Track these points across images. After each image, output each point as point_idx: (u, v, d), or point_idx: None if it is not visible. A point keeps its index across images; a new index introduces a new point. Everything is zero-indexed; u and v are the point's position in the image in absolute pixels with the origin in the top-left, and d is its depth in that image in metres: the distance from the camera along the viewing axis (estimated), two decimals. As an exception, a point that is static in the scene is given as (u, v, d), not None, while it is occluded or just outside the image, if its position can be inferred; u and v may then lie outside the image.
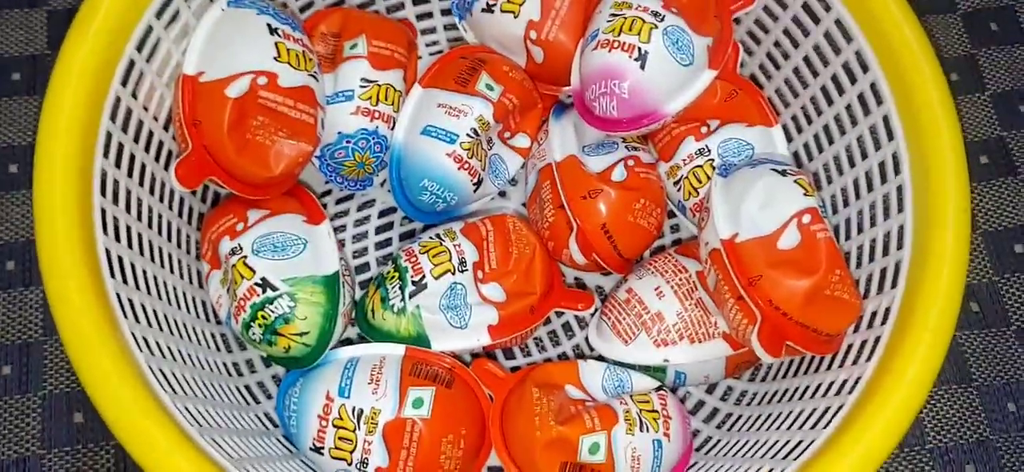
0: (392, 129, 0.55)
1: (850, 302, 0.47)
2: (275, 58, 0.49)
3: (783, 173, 0.50)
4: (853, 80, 0.52)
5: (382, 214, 0.61)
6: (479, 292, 0.52)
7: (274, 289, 0.48)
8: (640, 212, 0.53)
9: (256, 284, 0.48)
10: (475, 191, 0.55)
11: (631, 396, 0.50)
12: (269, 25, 0.50)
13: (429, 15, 0.63)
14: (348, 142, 0.54)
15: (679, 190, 0.56)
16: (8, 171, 0.59)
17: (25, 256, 0.57)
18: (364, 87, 0.54)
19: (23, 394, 0.54)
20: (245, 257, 0.49)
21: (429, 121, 0.54)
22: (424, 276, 0.51)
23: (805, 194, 0.49)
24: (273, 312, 0.48)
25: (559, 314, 0.59)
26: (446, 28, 0.63)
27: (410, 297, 0.51)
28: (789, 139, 0.58)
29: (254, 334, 0.49)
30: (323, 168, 0.55)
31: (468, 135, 0.53)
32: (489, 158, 0.55)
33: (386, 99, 0.54)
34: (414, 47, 0.58)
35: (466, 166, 0.53)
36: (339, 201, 0.61)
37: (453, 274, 0.51)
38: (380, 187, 0.60)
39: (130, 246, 0.47)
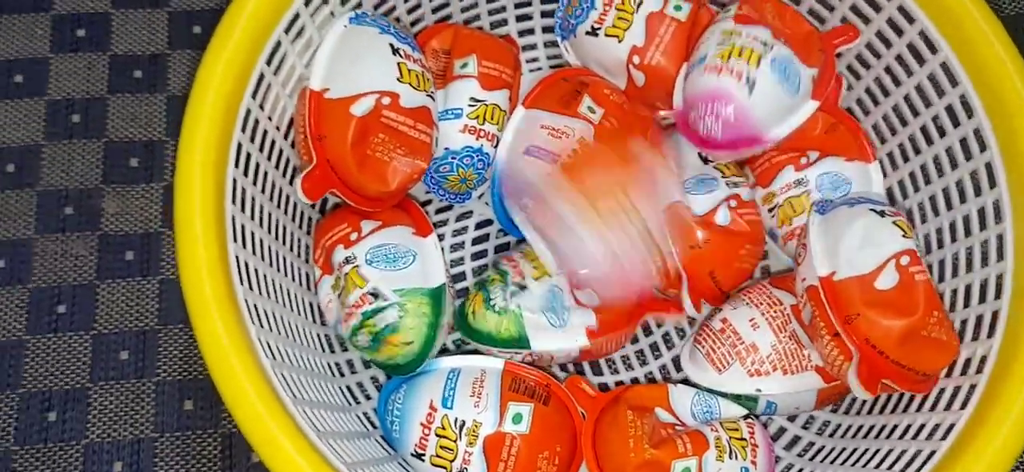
0: (495, 147, 0.57)
1: (948, 343, 0.48)
2: (398, 79, 0.51)
3: (881, 214, 0.51)
4: (956, 123, 0.53)
5: (479, 226, 0.63)
6: (574, 297, 0.54)
7: (385, 299, 0.50)
8: (745, 257, 0.55)
9: (368, 293, 0.50)
10: None
11: (720, 423, 0.51)
12: (392, 45, 0.52)
13: (531, 32, 0.65)
14: (454, 158, 0.56)
15: (773, 217, 0.57)
16: (129, 164, 0.62)
17: (144, 247, 0.61)
18: (473, 106, 0.56)
19: (139, 379, 0.58)
20: (358, 266, 0.51)
21: (533, 141, 0.56)
22: (524, 278, 0.54)
23: (904, 235, 0.50)
24: (382, 321, 0.50)
25: (647, 333, 0.60)
26: (546, 45, 0.65)
27: (511, 297, 0.53)
28: (884, 173, 0.59)
29: (361, 340, 0.51)
30: (427, 180, 0.57)
31: (569, 156, 0.55)
32: None
33: (492, 118, 0.56)
34: (519, 67, 0.60)
35: None
36: (438, 212, 0.63)
37: (551, 278, 0.53)
38: (478, 200, 0.62)
39: (255, 253, 0.49)
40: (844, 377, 0.49)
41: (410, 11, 0.60)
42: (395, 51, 0.52)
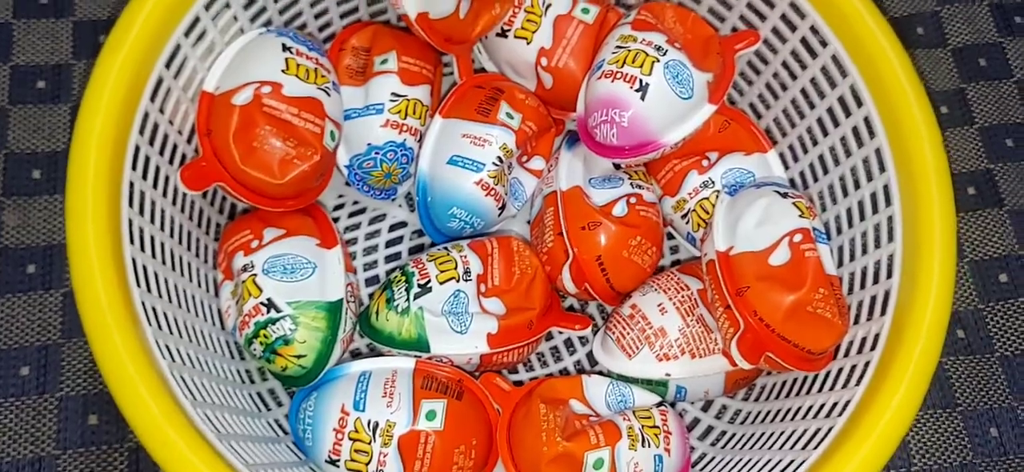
0: (419, 142, 0.57)
1: (832, 322, 0.49)
2: (283, 71, 0.51)
3: (784, 195, 0.52)
4: (847, 113, 0.55)
5: (392, 228, 0.63)
6: (480, 303, 0.54)
7: (278, 310, 0.50)
8: (635, 249, 0.56)
9: (262, 303, 0.50)
10: (499, 215, 0.57)
11: (633, 412, 0.52)
12: (284, 44, 0.53)
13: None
14: (376, 153, 0.56)
15: (687, 223, 0.58)
16: (31, 176, 0.61)
17: (46, 260, 0.59)
18: (394, 101, 0.56)
19: (40, 395, 0.56)
20: (255, 275, 0.51)
21: (455, 151, 0.56)
22: (429, 280, 0.53)
23: (801, 215, 0.52)
24: (274, 332, 0.50)
25: (560, 332, 0.61)
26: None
27: (414, 298, 0.53)
28: (786, 166, 0.60)
29: (255, 349, 0.51)
30: (351, 177, 0.57)
31: (494, 163, 0.55)
32: (509, 181, 0.58)
33: (414, 113, 0.57)
34: (440, 63, 0.60)
35: (492, 192, 0.56)
36: (352, 214, 0.63)
37: (457, 281, 0.54)
38: (391, 202, 0.62)
39: (154, 255, 0.49)
40: (730, 348, 0.50)
41: (318, 16, 0.60)
42: (286, 49, 0.52)
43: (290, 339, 0.50)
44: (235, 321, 0.52)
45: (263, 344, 0.50)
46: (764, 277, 0.50)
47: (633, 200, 0.57)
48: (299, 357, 0.50)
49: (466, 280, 0.54)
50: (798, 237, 0.50)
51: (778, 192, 0.53)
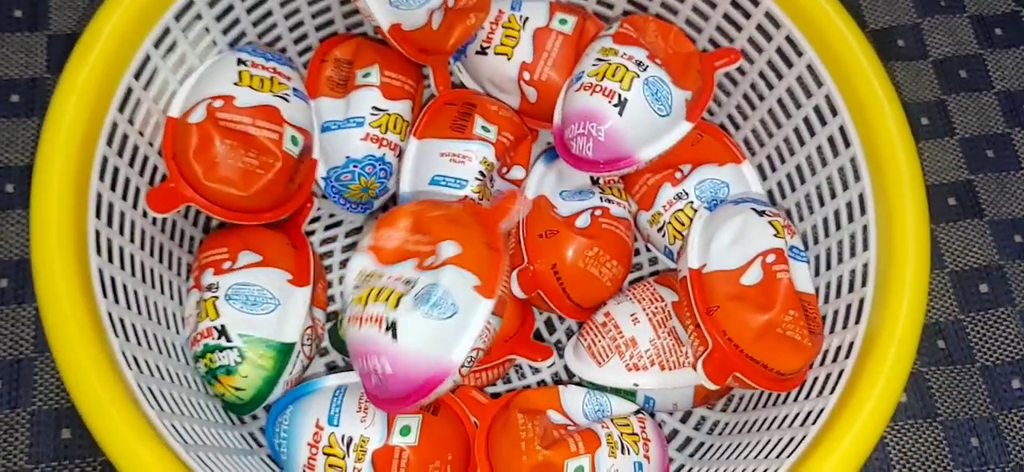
0: (398, 157, 0.57)
1: (802, 344, 0.49)
2: (235, 83, 0.52)
3: (761, 213, 0.52)
4: (823, 122, 0.54)
5: (348, 235, 0.62)
6: None
7: (228, 340, 0.50)
8: (593, 260, 0.55)
9: (215, 327, 0.50)
10: None
11: (611, 420, 0.52)
12: (239, 58, 0.53)
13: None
14: (355, 166, 0.56)
15: (664, 236, 0.58)
16: (4, 190, 0.61)
17: (18, 274, 0.59)
18: (375, 115, 0.56)
19: (12, 409, 0.56)
20: (216, 298, 0.50)
21: (435, 171, 0.55)
22: None
23: (775, 235, 0.51)
24: (219, 360, 0.50)
25: (539, 339, 0.60)
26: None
27: None
28: (764, 177, 0.60)
29: (200, 368, 0.51)
30: (328, 189, 0.57)
31: (477, 178, 0.55)
32: (492, 195, 0.57)
33: (394, 128, 0.56)
34: (421, 80, 0.60)
35: None
36: (328, 227, 0.63)
37: None
38: (367, 216, 0.62)
39: (123, 267, 0.48)
40: (697, 367, 0.50)
41: (292, 28, 0.60)
42: (240, 63, 0.53)
43: (233, 371, 0.50)
44: (190, 333, 0.52)
45: (207, 367, 0.50)
46: (735, 297, 0.49)
47: (598, 213, 0.56)
48: (238, 389, 0.50)
49: None
50: (771, 258, 0.50)
51: (755, 210, 0.53)
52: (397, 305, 0.45)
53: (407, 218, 0.49)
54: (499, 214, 0.50)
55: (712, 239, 0.52)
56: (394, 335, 0.45)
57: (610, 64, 0.53)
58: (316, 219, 0.63)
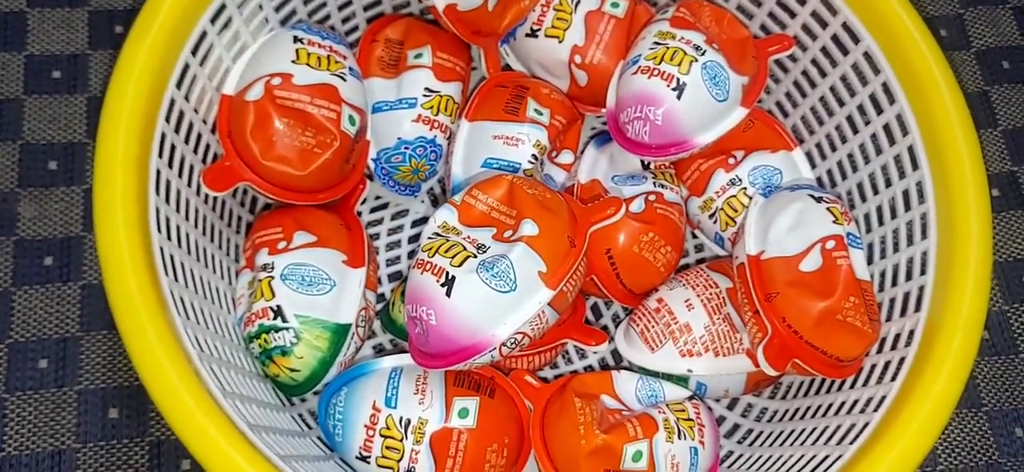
0: (449, 140, 0.57)
1: (862, 330, 0.49)
2: (293, 61, 0.51)
3: (818, 200, 0.52)
4: (879, 111, 0.54)
5: (415, 224, 0.62)
6: None
7: (285, 320, 0.49)
8: (647, 245, 0.54)
9: (271, 308, 0.49)
10: None
11: (667, 405, 0.51)
12: (295, 36, 0.52)
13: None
14: (406, 148, 0.55)
15: (715, 222, 0.58)
16: (48, 167, 0.60)
17: (63, 252, 0.58)
18: (427, 97, 0.55)
19: (59, 388, 0.55)
20: (272, 278, 0.50)
21: (488, 154, 0.55)
22: None
23: (834, 221, 0.51)
24: (275, 340, 0.49)
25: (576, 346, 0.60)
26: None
27: None
28: (813, 164, 0.60)
29: (253, 348, 0.50)
30: (378, 171, 0.57)
31: (529, 161, 0.54)
32: (542, 178, 0.57)
33: (445, 109, 0.56)
34: (471, 60, 0.60)
35: None
36: (374, 209, 0.62)
37: None
38: (414, 198, 0.62)
39: (180, 245, 0.48)
40: (757, 354, 0.50)
41: (341, 7, 0.59)
42: (297, 40, 0.52)
43: (288, 351, 0.49)
44: (243, 313, 0.51)
45: (262, 347, 0.50)
46: (794, 283, 0.49)
47: (652, 198, 0.56)
48: (293, 370, 0.50)
49: None
50: (831, 244, 0.50)
51: (812, 196, 0.52)
52: (462, 264, 0.46)
53: (503, 187, 0.49)
54: (595, 216, 0.50)
55: (770, 225, 0.51)
56: (449, 291, 0.45)
57: (668, 48, 0.53)
58: (362, 201, 0.62)
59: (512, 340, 0.46)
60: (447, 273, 0.46)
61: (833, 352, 0.49)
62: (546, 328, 0.48)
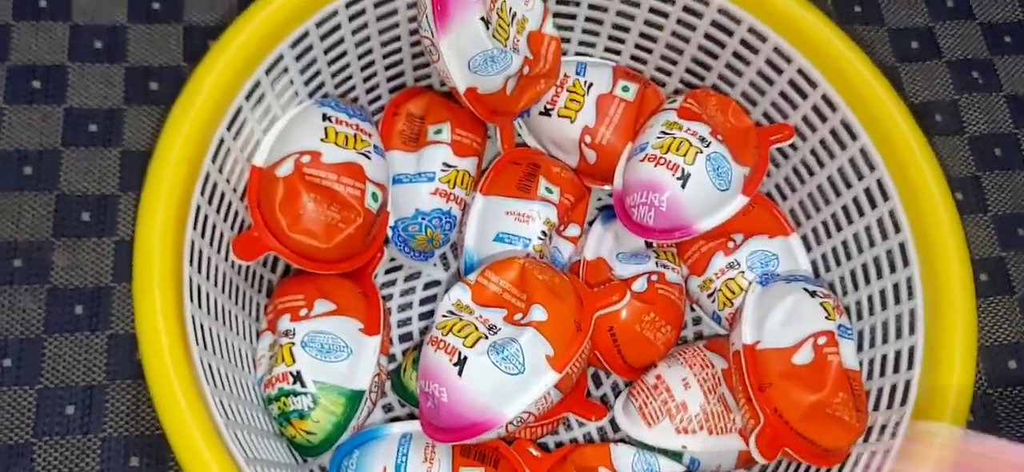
0: (463, 210, 0.60)
1: (850, 423, 0.51)
2: (322, 139, 0.54)
3: (812, 294, 0.55)
4: (873, 205, 0.57)
5: (427, 286, 0.65)
6: None
7: (304, 385, 0.52)
8: (648, 325, 0.57)
9: (291, 373, 0.52)
10: None
11: (661, 481, 0.54)
12: (324, 114, 0.55)
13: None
14: (423, 219, 0.59)
15: (713, 302, 0.61)
16: (81, 218, 0.63)
17: (93, 302, 0.61)
18: (445, 171, 0.59)
19: (84, 435, 0.58)
20: (293, 344, 0.53)
21: (500, 228, 0.58)
22: None
23: (826, 317, 0.54)
24: (293, 404, 0.52)
25: (587, 394, 0.63)
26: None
27: None
28: (809, 248, 0.63)
29: (272, 409, 0.53)
30: (395, 238, 0.60)
31: (539, 238, 0.57)
32: (550, 252, 0.60)
33: (461, 183, 0.59)
34: (486, 136, 0.63)
35: None
36: (388, 271, 0.65)
37: None
38: (427, 262, 0.64)
39: (209, 313, 0.50)
40: (749, 442, 0.52)
41: (366, 80, 0.62)
42: (325, 118, 0.55)
43: (306, 415, 0.52)
44: (264, 375, 0.54)
45: (280, 410, 0.52)
46: (787, 376, 0.51)
47: (655, 278, 0.59)
48: (309, 433, 0.52)
49: None
50: (822, 340, 0.52)
51: (807, 290, 0.55)
52: (474, 345, 0.49)
53: (515, 270, 0.52)
54: (601, 301, 0.53)
55: (766, 317, 0.54)
56: (460, 371, 0.48)
57: (674, 138, 0.56)
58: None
59: (518, 418, 0.49)
60: (460, 353, 0.48)
61: (822, 443, 0.51)
62: (550, 406, 0.51)
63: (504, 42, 0.56)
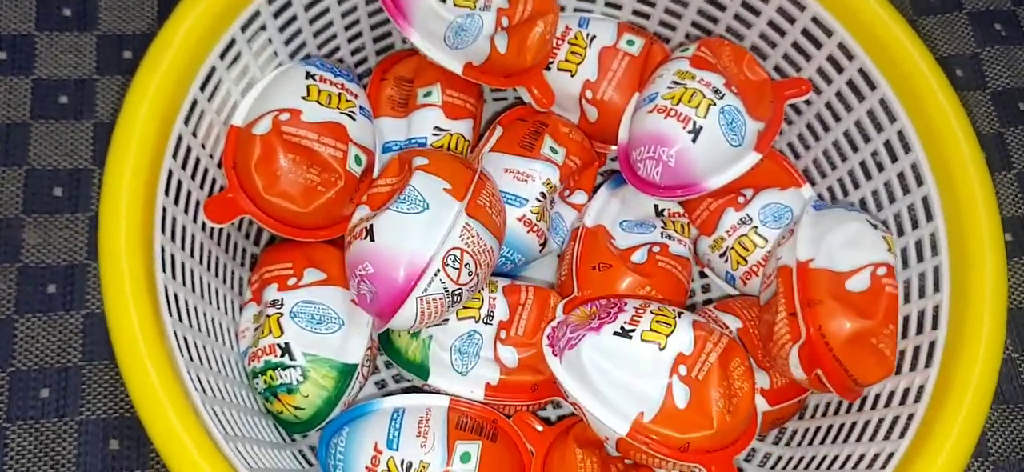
0: None
1: (888, 358, 0.49)
2: (303, 97, 0.51)
3: (874, 226, 0.51)
4: (894, 159, 0.53)
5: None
6: (495, 349, 0.52)
7: (292, 358, 0.49)
8: (644, 298, 0.53)
9: (279, 345, 0.49)
10: (541, 250, 0.56)
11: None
12: (308, 72, 0.52)
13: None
14: None
15: (726, 261, 0.57)
16: (52, 194, 0.60)
17: (66, 280, 0.58)
18: (437, 135, 0.55)
19: (60, 418, 0.55)
20: (281, 314, 0.49)
21: (499, 186, 0.54)
22: None
23: (888, 250, 0.51)
24: (281, 377, 0.49)
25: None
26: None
27: None
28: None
29: (257, 384, 0.50)
30: None
31: (537, 199, 0.54)
32: (551, 216, 0.56)
33: (456, 147, 0.56)
34: (482, 97, 0.59)
35: (535, 229, 0.54)
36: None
37: (476, 322, 0.52)
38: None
39: (184, 284, 0.47)
40: (786, 356, 0.49)
41: (351, 40, 0.59)
42: (309, 76, 0.52)
43: (294, 389, 0.49)
44: (248, 348, 0.51)
45: (267, 384, 0.49)
46: (838, 297, 0.48)
47: (656, 249, 0.55)
48: (297, 408, 0.49)
49: (486, 323, 0.52)
50: (882, 271, 0.49)
51: (870, 222, 0.52)
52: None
53: (393, 162, 0.52)
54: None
55: (824, 236, 0.51)
56: (372, 237, 0.47)
57: (686, 89, 0.52)
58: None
59: (452, 259, 0.47)
60: (365, 225, 0.48)
61: (854, 373, 0.48)
62: (491, 256, 0.49)
63: (473, 5, 0.52)
